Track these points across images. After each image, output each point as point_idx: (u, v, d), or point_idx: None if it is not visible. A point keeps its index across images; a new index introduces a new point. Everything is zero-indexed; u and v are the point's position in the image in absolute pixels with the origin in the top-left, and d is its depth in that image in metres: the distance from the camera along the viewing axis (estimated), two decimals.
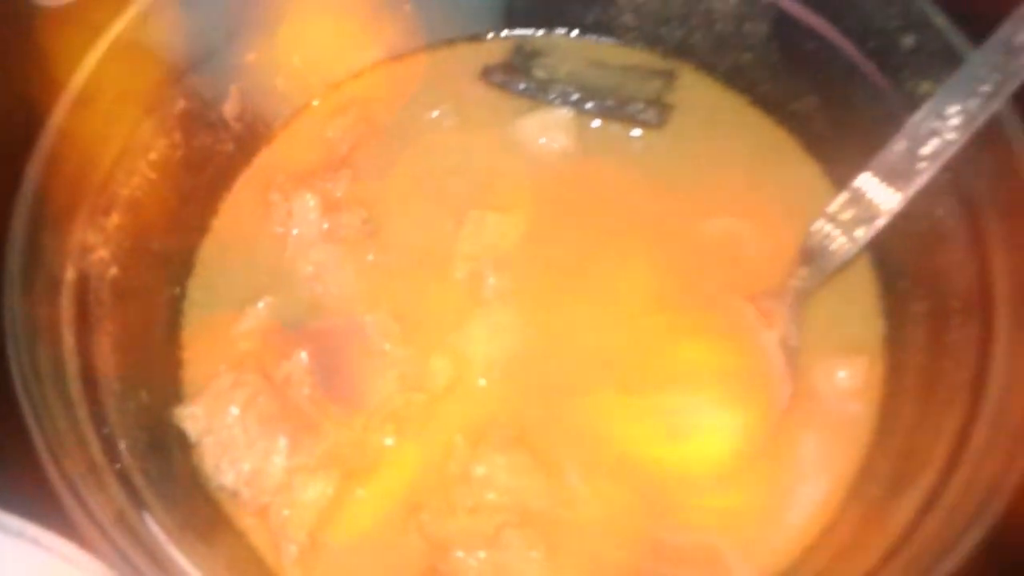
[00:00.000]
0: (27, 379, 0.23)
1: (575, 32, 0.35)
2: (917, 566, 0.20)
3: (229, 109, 0.33)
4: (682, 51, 0.34)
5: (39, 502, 0.27)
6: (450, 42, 0.36)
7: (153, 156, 0.30)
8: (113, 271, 0.27)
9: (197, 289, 0.31)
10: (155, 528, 0.23)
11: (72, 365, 0.24)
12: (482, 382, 0.28)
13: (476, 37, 0.36)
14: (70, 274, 0.26)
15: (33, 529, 0.26)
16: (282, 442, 0.25)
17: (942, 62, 0.27)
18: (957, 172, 0.26)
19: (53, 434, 0.22)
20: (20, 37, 0.42)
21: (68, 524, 0.26)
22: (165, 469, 0.25)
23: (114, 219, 0.27)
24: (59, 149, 0.28)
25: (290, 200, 0.31)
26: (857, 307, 0.30)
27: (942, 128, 0.26)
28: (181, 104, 0.31)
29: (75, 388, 0.24)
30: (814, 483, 0.26)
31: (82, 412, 0.23)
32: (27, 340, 0.23)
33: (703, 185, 0.32)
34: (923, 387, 0.26)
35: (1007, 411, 0.23)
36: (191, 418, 0.25)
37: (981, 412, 0.23)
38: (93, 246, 0.26)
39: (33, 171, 0.26)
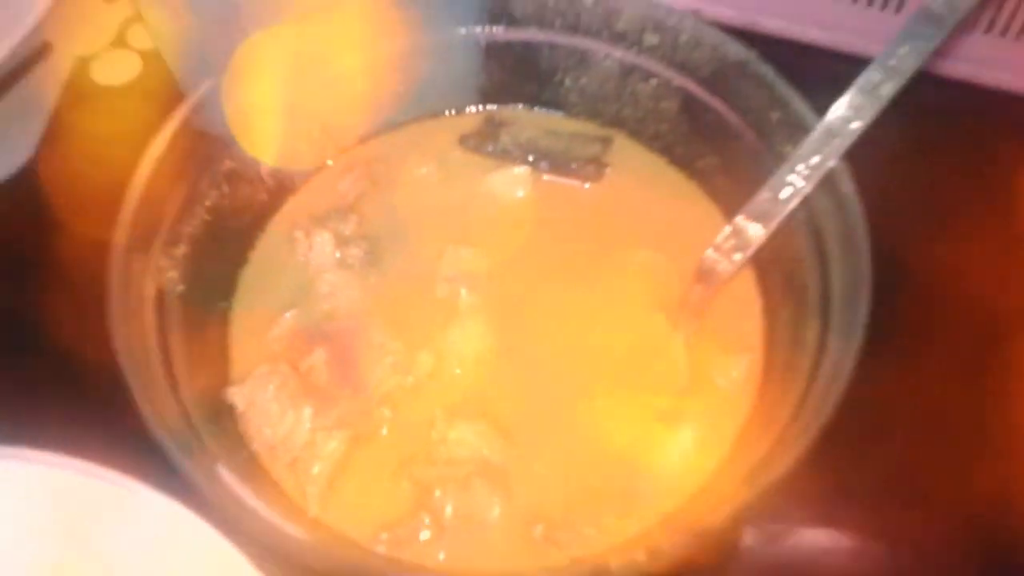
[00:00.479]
0: (131, 367, 0.30)
1: (533, 107, 0.43)
2: (755, 477, 0.28)
3: (264, 169, 0.40)
4: (616, 122, 0.42)
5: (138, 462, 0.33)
6: (435, 115, 0.43)
7: (208, 203, 0.37)
8: (180, 288, 0.34)
9: (240, 304, 0.37)
10: (224, 474, 0.30)
11: (155, 356, 0.32)
12: (457, 371, 0.35)
13: (456, 111, 0.43)
14: (149, 290, 0.33)
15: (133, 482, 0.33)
16: (307, 412, 0.32)
17: (799, 131, 0.34)
18: (808, 210, 0.34)
19: (153, 405, 0.29)
20: (93, 112, 0.51)
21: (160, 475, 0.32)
22: (221, 432, 0.32)
23: (181, 249, 0.35)
24: (142, 200, 0.34)
25: (310, 237, 0.38)
26: (744, 315, 0.36)
27: (795, 179, 0.34)
28: (228, 164, 0.38)
29: (159, 373, 0.31)
30: (706, 444, 0.34)
31: (166, 389, 0.31)
32: (126, 338, 0.30)
33: (630, 225, 0.39)
34: (784, 373, 0.34)
35: (835, 381, 0.30)
36: (239, 395, 0.33)
37: (815, 386, 0.31)
38: (166, 269, 0.34)
39: (124, 216, 0.34)
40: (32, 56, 0.49)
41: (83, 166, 0.48)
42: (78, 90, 0.52)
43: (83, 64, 0.52)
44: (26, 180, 0.48)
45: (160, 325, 0.33)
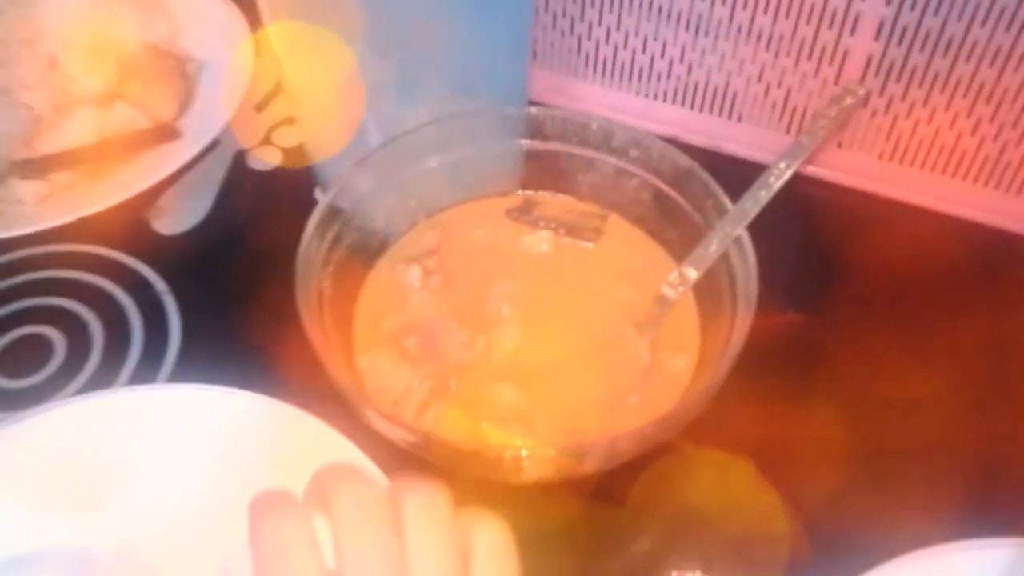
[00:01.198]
0: (314, 340, 0.43)
1: (556, 193, 0.56)
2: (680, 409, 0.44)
3: (378, 225, 0.53)
4: (610, 205, 0.55)
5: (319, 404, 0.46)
6: (490, 196, 0.56)
7: (345, 244, 0.50)
8: (330, 292, 0.48)
9: (361, 313, 0.51)
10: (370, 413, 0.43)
11: (320, 333, 0.46)
12: (499, 353, 0.48)
13: (504, 194, 0.56)
14: (314, 292, 0.46)
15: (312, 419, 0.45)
16: (405, 371, 0.46)
17: (722, 212, 0.48)
18: (726, 259, 0.48)
19: (330, 362, 0.43)
20: (248, 188, 0.64)
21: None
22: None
23: (330, 270, 0.48)
24: (310, 240, 0.47)
25: (406, 269, 0.51)
26: (686, 325, 0.50)
27: (717, 241, 0.48)
28: (356, 223, 0.51)
29: (324, 348, 0.45)
30: (656, 404, 0.48)
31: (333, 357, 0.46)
32: (308, 319, 0.43)
33: (616, 271, 0.52)
34: (707, 359, 0.49)
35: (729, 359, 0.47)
36: (365, 360, 0.47)
37: (722, 363, 0.47)
38: (322, 279, 0.48)
39: (302, 246, 0.46)
40: (208, 148, 0.63)
41: (242, 224, 0.62)
42: (238, 172, 0.65)
43: (241, 154, 0.65)
44: (202, 232, 0.61)
45: (321, 316, 0.47)
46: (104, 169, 0.61)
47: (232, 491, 0.44)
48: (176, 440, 0.46)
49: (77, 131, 0.61)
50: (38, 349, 0.55)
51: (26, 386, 0.55)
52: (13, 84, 0.61)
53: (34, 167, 0.59)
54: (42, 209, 0.58)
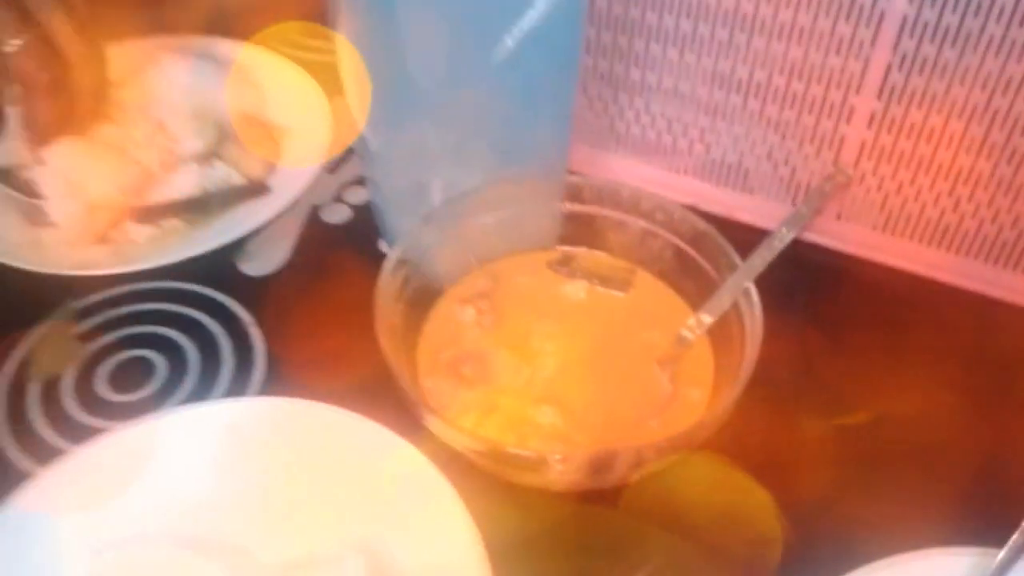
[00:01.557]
0: (391, 361, 0.51)
1: (592, 249, 0.62)
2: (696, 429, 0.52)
3: (439, 274, 0.60)
4: (638, 261, 0.61)
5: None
6: (533, 250, 0.63)
7: (411, 288, 0.57)
8: (400, 327, 0.61)
9: (423, 344, 0.57)
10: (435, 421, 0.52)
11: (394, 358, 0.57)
12: (542, 381, 0.54)
13: (545, 248, 0.62)
14: (387, 325, 0.53)
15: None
16: (462, 392, 0.55)
17: (733, 268, 0.58)
18: (736, 306, 0.57)
19: (402, 382, 0.51)
20: (321, 239, 0.71)
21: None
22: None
23: (400, 306, 0.56)
24: (384, 282, 0.56)
25: (463, 308, 0.58)
26: (702, 363, 0.56)
27: (729, 292, 0.58)
28: (425, 270, 0.57)
29: (397, 368, 0.54)
30: (675, 426, 0.58)
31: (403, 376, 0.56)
32: (386, 344, 0.52)
33: (643, 317, 0.58)
34: (719, 390, 0.58)
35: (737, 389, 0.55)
36: (428, 381, 0.56)
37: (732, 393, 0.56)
38: (392, 316, 0.58)
39: (380, 286, 0.61)
40: (288, 205, 0.70)
41: (315, 268, 0.69)
42: (312, 225, 0.72)
43: (315, 209, 0.73)
44: (281, 275, 0.68)
45: (393, 344, 0.55)
46: (203, 218, 0.70)
47: (312, 489, 0.53)
48: (261, 447, 0.53)
49: (181, 185, 0.70)
50: (142, 370, 0.63)
51: (134, 400, 0.64)
52: (128, 143, 0.72)
53: (145, 213, 0.69)
54: (151, 249, 0.67)
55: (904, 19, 0.60)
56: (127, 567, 0.50)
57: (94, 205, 0.65)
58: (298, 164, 0.72)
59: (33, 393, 0.61)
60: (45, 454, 0.55)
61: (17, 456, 0.57)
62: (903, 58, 0.61)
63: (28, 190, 0.66)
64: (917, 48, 0.61)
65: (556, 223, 0.62)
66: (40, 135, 0.65)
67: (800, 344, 0.62)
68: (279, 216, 0.69)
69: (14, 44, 0.63)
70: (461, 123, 0.56)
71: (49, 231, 0.66)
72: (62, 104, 0.64)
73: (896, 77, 0.62)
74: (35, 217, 0.66)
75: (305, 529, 0.51)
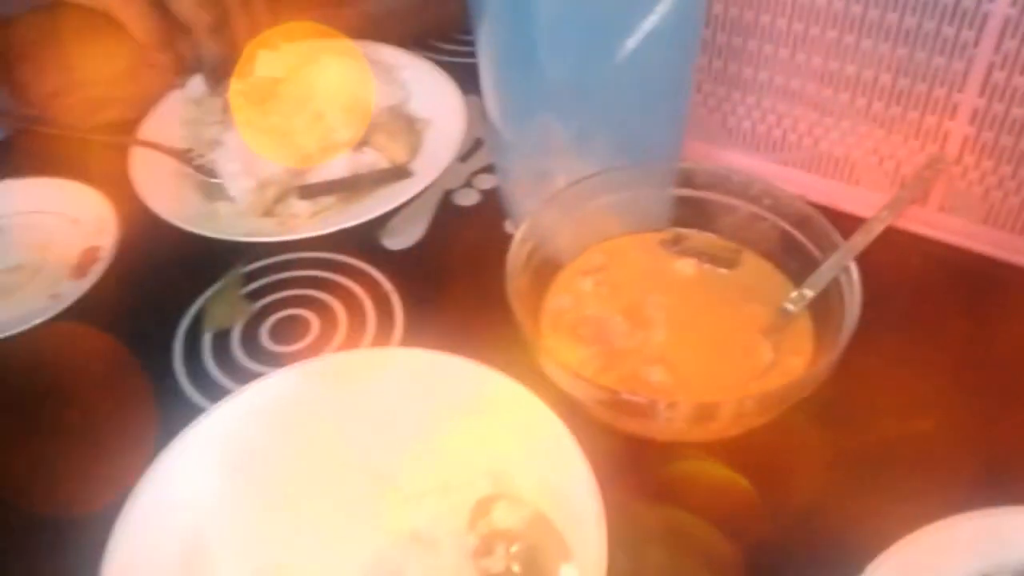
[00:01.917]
0: (521, 321, 0.60)
1: (702, 231, 0.66)
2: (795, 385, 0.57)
3: (560, 249, 0.64)
4: (745, 242, 0.65)
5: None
6: (646, 231, 0.67)
7: (537, 260, 0.62)
8: (525, 293, 0.69)
9: (548, 305, 0.63)
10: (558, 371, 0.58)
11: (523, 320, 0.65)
12: (653, 344, 0.59)
13: (658, 230, 0.66)
14: (515, 295, 0.68)
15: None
16: (581, 350, 0.63)
17: (834, 248, 0.68)
18: (836, 282, 0.61)
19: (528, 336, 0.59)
20: (453, 219, 0.79)
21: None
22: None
23: (526, 277, 0.68)
24: (513, 256, 0.70)
25: (582, 280, 0.62)
26: (802, 334, 0.59)
27: (829, 269, 0.65)
28: (549, 246, 0.63)
29: (525, 325, 0.64)
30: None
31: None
32: (517, 309, 0.62)
33: (747, 291, 0.62)
34: (817, 361, 0.64)
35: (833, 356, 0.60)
36: (549, 342, 0.66)
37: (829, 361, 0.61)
38: (521, 288, 0.67)
39: (510, 260, 0.69)
40: (426, 188, 0.76)
41: (447, 244, 0.76)
42: (445, 207, 0.78)
43: (447, 193, 0.79)
44: (418, 249, 0.75)
45: (522, 306, 0.61)
46: (354, 196, 0.77)
47: (446, 428, 0.60)
48: (402, 392, 0.57)
49: (336, 167, 0.80)
50: (298, 326, 0.71)
51: (291, 351, 0.73)
52: (291, 131, 0.82)
53: (306, 191, 0.79)
54: (309, 222, 0.77)
55: (1006, 21, 0.63)
56: (294, 481, 0.59)
57: (264, 182, 0.75)
58: (435, 152, 0.78)
59: (206, 342, 0.70)
60: (215, 393, 0.64)
61: (192, 393, 0.66)
62: (1005, 57, 0.65)
63: (206, 171, 0.76)
64: (1019, 48, 0.64)
65: (668, 206, 0.66)
66: (212, 74, 0.77)
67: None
68: (418, 197, 0.75)
69: None
70: (584, 117, 0.61)
71: (223, 204, 0.76)
72: (225, 43, 0.75)
73: (998, 76, 0.66)
74: (212, 193, 0.76)
75: (440, 464, 0.58)
